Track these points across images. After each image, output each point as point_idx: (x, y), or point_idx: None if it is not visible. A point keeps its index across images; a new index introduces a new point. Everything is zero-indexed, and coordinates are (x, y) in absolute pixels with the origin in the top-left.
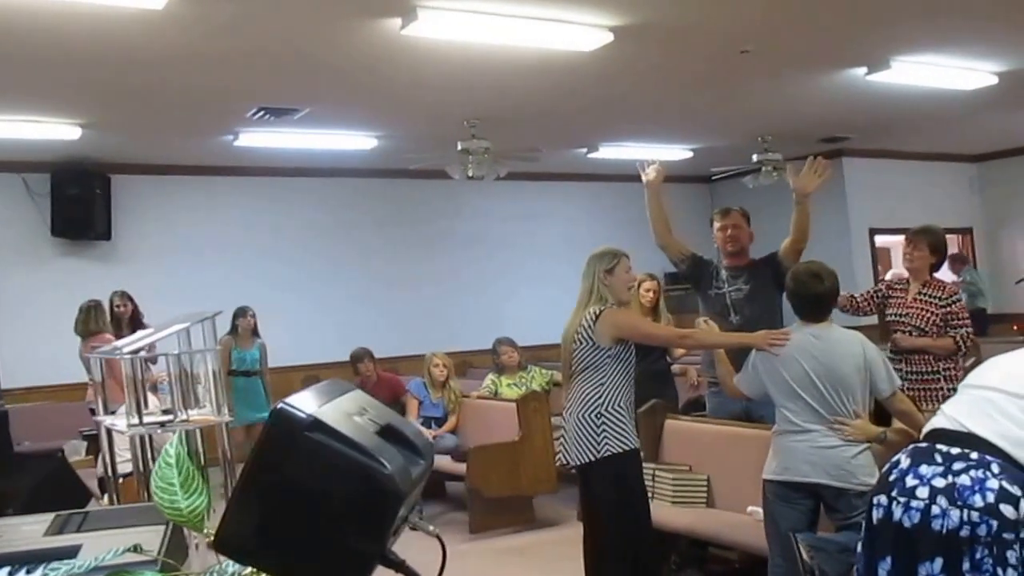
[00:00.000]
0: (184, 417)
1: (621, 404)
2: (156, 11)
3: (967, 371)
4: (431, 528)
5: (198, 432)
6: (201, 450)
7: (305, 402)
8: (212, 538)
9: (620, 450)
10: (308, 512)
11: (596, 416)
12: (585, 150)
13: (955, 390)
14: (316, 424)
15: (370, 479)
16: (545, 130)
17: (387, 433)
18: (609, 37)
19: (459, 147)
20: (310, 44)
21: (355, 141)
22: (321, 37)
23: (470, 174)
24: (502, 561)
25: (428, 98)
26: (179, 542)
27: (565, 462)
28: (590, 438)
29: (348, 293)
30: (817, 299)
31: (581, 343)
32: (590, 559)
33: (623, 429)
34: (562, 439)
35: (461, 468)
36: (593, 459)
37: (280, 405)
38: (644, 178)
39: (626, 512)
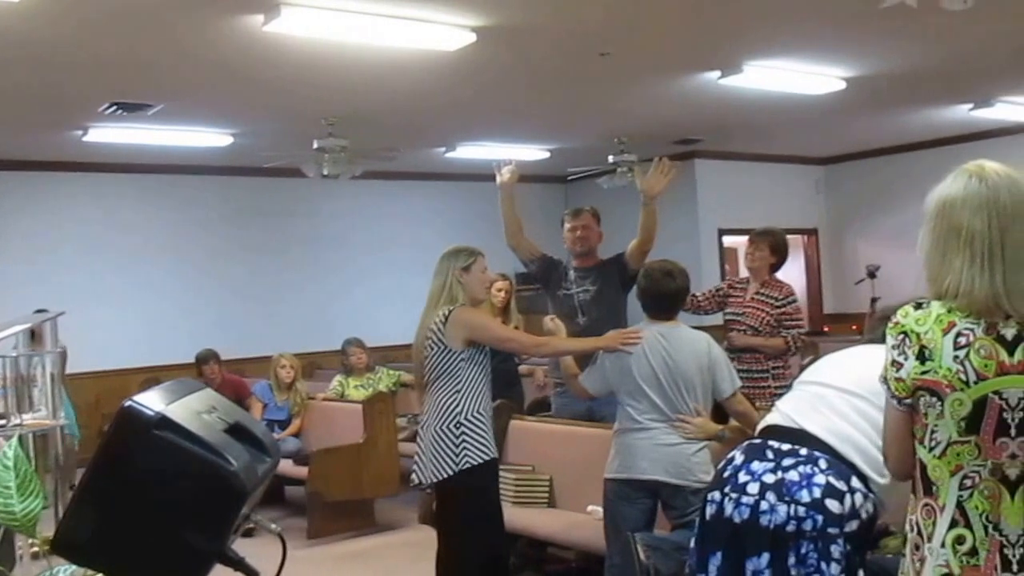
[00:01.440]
0: (18, 421)
1: (480, 410)
2: (11, 3)
3: (804, 369)
4: (273, 526)
5: (31, 436)
6: (32, 454)
7: (152, 400)
8: (42, 544)
9: (480, 461)
10: (150, 510)
11: (456, 426)
12: (443, 149)
13: (783, 388)
14: (164, 421)
15: (215, 476)
16: (404, 129)
17: (235, 431)
18: (472, 37)
19: (315, 145)
20: (167, 39)
21: (210, 138)
22: (179, 32)
23: (325, 172)
24: (341, 566)
25: (287, 95)
26: (8, 552)
27: (418, 481)
28: (449, 451)
29: (195, 293)
30: (668, 297)
31: (433, 347)
32: (444, 570)
33: (483, 438)
34: (416, 456)
35: (302, 472)
36: (451, 473)
37: (127, 403)
38: (498, 179)
39: (484, 525)
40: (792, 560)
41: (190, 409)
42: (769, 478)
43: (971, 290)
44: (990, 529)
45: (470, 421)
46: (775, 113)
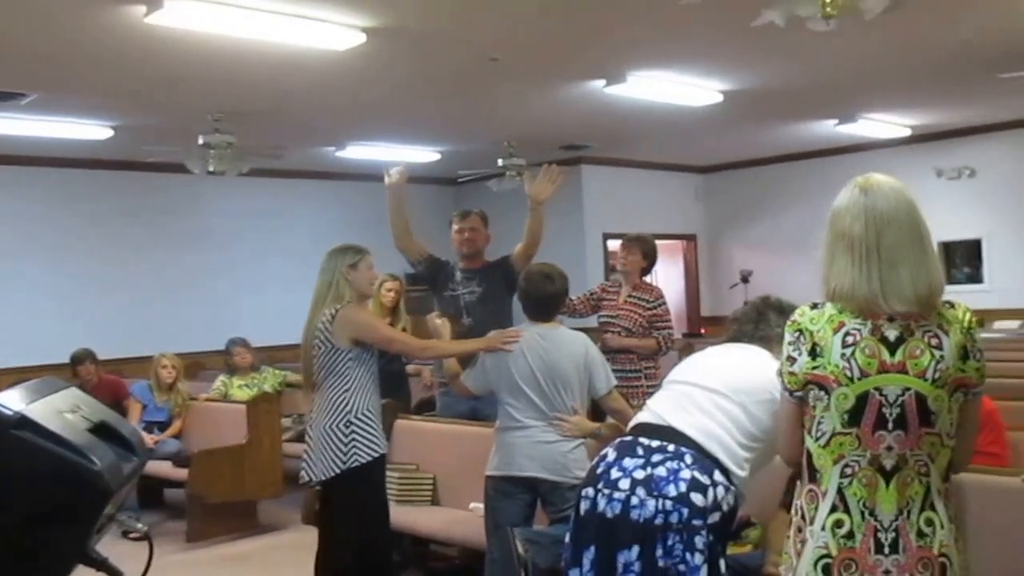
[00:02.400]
0: None
1: (370, 408)
2: None
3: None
4: (139, 526)
5: None
6: None
7: (12, 399)
8: None
9: (369, 458)
10: (9, 511)
11: (346, 425)
12: (333, 148)
13: (655, 387)
14: (23, 421)
15: (78, 476)
16: (293, 127)
17: (100, 430)
18: (362, 38)
19: (200, 141)
20: (42, 26)
21: (88, 130)
22: (55, 19)
23: (211, 169)
24: (221, 569)
25: (170, 89)
26: None
27: (308, 479)
28: (338, 449)
29: (72, 291)
30: (547, 299)
31: (321, 346)
32: (324, 569)
33: (373, 435)
34: (306, 454)
35: (182, 474)
36: (340, 470)
37: None
38: (387, 180)
39: (370, 522)
40: (660, 552)
41: (52, 408)
42: (639, 474)
43: (853, 291)
44: (866, 514)
45: (359, 419)
46: (658, 122)
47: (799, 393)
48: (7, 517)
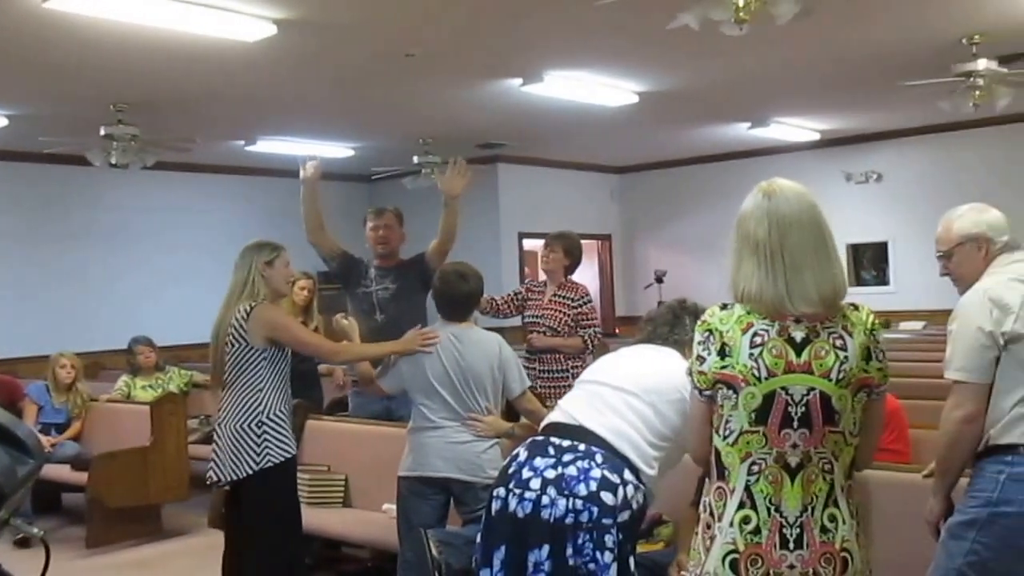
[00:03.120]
0: None
1: (282, 408)
2: None
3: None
4: (35, 531)
5: None
6: None
7: None
8: None
9: (282, 459)
10: None
11: (258, 425)
12: (243, 142)
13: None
14: None
15: None
16: (201, 119)
17: None
18: (273, 30)
19: (103, 132)
20: None
21: None
22: None
23: (113, 161)
24: (131, 570)
25: (71, 78)
26: None
27: (217, 479)
28: (250, 449)
29: None
30: (461, 299)
31: (234, 343)
32: (232, 572)
33: (285, 436)
34: (214, 454)
35: (82, 478)
36: (253, 471)
37: None
38: (302, 174)
39: (281, 524)
40: (570, 551)
41: None
42: (550, 473)
43: (760, 293)
44: (772, 511)
45: (272, 420)
46: (574, 122)
47: (708, 392)
48: None
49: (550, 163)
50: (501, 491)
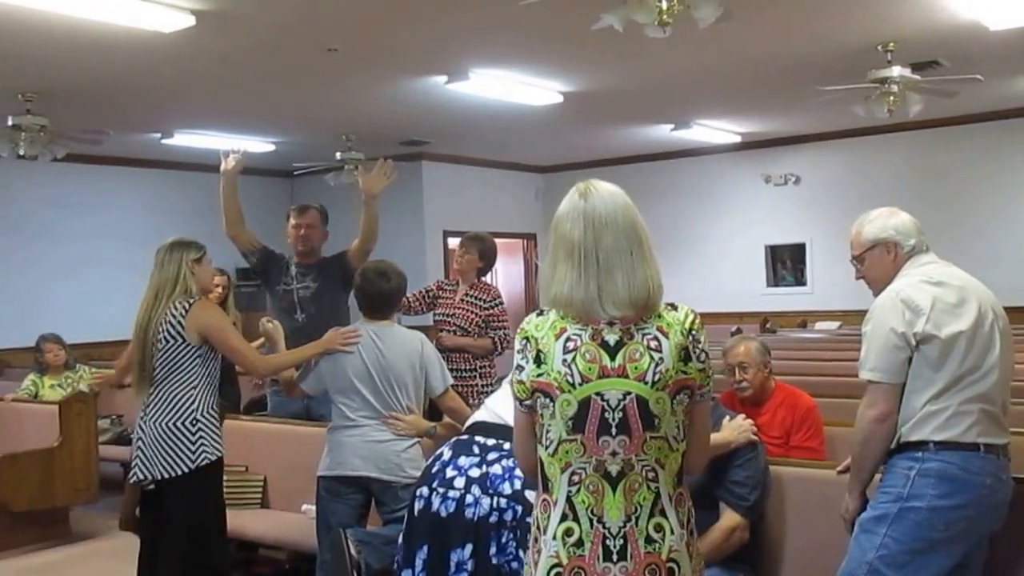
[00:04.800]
0: None
1: (214, 406)
2: None
3: None
4: None
5: None
6: None
7: None
8: None
9: (215, 458)
10: None
11: (192, 423)
12: (159, 135)
13: (489, 386)
14: None
15: None
16: (115, 111)
17: None
18: (190, 20)
19: (10, 122)
20: None
21: None
22: None
23: (21, 153)
24: None
25: None
26: None
27: (143, 478)
28: (184, 447)
29: None
30: (382, 297)
31: (169, 340)
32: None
33: (217, 435)
34: (139, 452)
35: None
36: (188, 470)
37: None
38: (223, 165)
39: (210, 523)
40: (493, 549)
41: None
42: (475, 472)
43: (571, 296)
44: (594, 522)
45: (205, 417)
46: (499, 121)
47: (528, 402)
48: None
49: (475, 162)
50: (424, 490)
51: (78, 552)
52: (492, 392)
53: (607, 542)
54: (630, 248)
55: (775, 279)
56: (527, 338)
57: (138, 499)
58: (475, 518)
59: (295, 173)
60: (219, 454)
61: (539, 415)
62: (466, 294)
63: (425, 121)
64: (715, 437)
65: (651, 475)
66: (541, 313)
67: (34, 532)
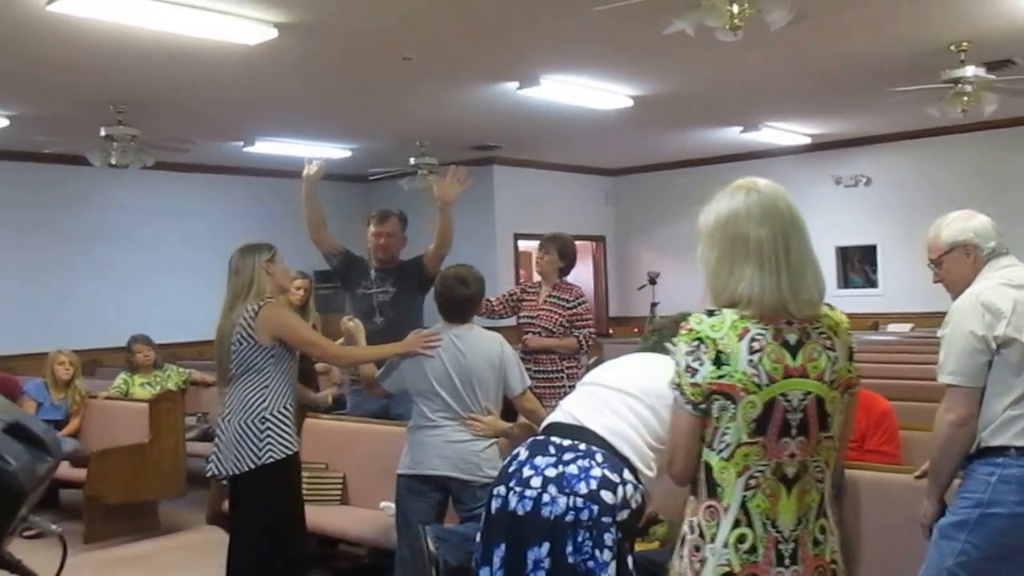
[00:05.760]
0: None
1: (286, 406)
2: None
3: (590, 369)
4: (53, 527)
5: None
6: None
7: None
8: None
9: (283, 455)
10: None
11: (260, 421)
12: (241, 143)
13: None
14: None
15: None
16: (201, 120)
17: (13, 430)
18: (273, 33)
19: (103, 133)
20: None
21: None
22: None
23: (113, 162)
24: (118, 570)
25: (72, 78)
26: None
27: (217, 473)
28: (252, 445)
29: None
30: (461, 302)
31: (242, 342)
32: (238, 568)
33: (287, 434)
34: (216, 448)
35: (80, 474)
36: (253, 467)
37: None
38: (305, 171)
39: (280, 521)
40: (569, 548)
41: None
42: (551, 472)
43: (762, 296)
44: (768, 526)
45: (275, 417)
46: (569, 125)
47: (703, 406)
48: None
49: (545, 165)
50: (501, 489)
51: (168, 544)
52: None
53: (779, 547)
54: (809, 248)
55: (845, 281)
56: (700, 339)
57: (225, 495)
58: (551, 517)
59: (371, 178)
60: (287, 453)
61: (713, 419)
62: (549, 295)
63: (496, 126)
64: None
65: (820, 476)
66: (712, 313)
67: (126, 524)
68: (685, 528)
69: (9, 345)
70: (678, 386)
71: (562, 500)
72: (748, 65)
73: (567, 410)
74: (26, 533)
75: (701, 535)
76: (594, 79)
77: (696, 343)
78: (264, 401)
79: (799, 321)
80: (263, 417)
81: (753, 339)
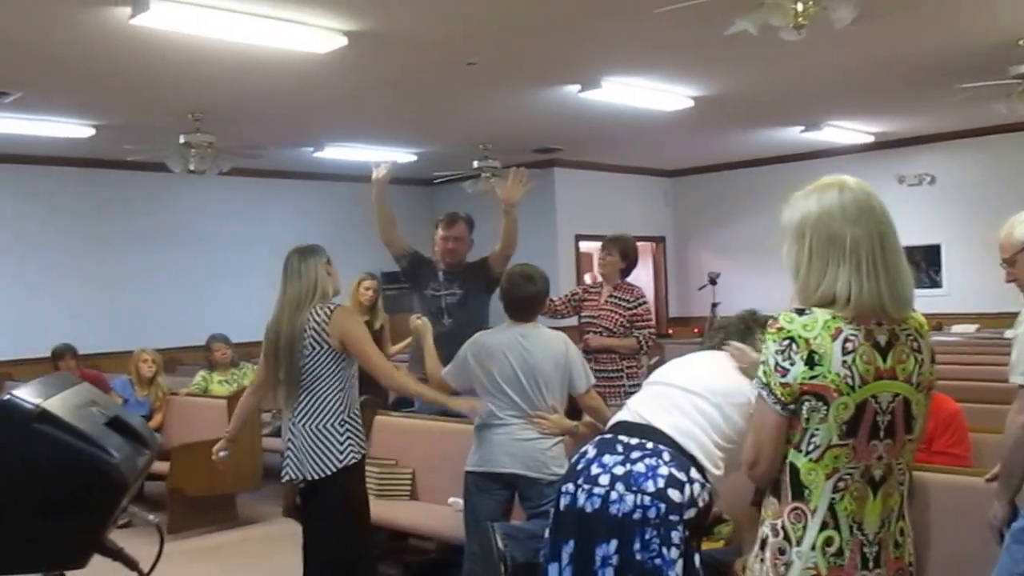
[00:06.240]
0: None
1: (357, 407)
2: None
3: (651, 369)
4: (151, 517)
5: None
6: None
7: (32, 394)
8: None
9: (360, 456)
10: (30, 502)
11: (340, 423)
12: (311, 149)
13: (636, 386)
14: (44, 415)
15: (97, 469)
16: (273, 126)
17: (115, 424)
18: (343, 41)
19: (181, 140)
20: (30, 26)
21: (71, 129)
22: (43, 20)
23: (191, 168)
24: (199, 560)
25: (153, 89)
26: None
27: (294, 477)
28: (333, 447)
29: (52, 287)
30: (528, 300)
31: (316, 346)
32: (314, 561)
33: (362, 434)
34: (289, 453)
35: (162, 467)
36: (335, 469)
37: (6, 396)
38: (374, 174)
39: (355, 517)
40: (637, 546)
41: (70, 403)
42: (619, 470)
43: (860, 296)
44: (854, 529)
45: (351, 418)
46: (630, 127)
47: (792, 406)
48: (29, 508)
49: (605, 167)
50: (570, 487)
51: (245, 535)
52: (635, 393)
53: (864, 549)
54: (901, 247)
55: None
56: (792, 338)
57: (297, 490)
58: (619, 514)
59: (435, 182)
60: (363, 452)
61: (802, 420)
62: (610, 295)
63: (558, 129)
64: None
65: (902, 478)
66: (803, 312)
67: (206, 516)
68: (766, 531)
69: (96, 344)
70: (766, 385)
71: (630, 498)
72: (811, 63)
73: (634, 409)
74: (118, 523)
75: (786, 538)
76: (655, 80)
77: (787, 342)
78: (341, 404)
79: (889, 322)
80: (342, 420)
81: (847, 340)
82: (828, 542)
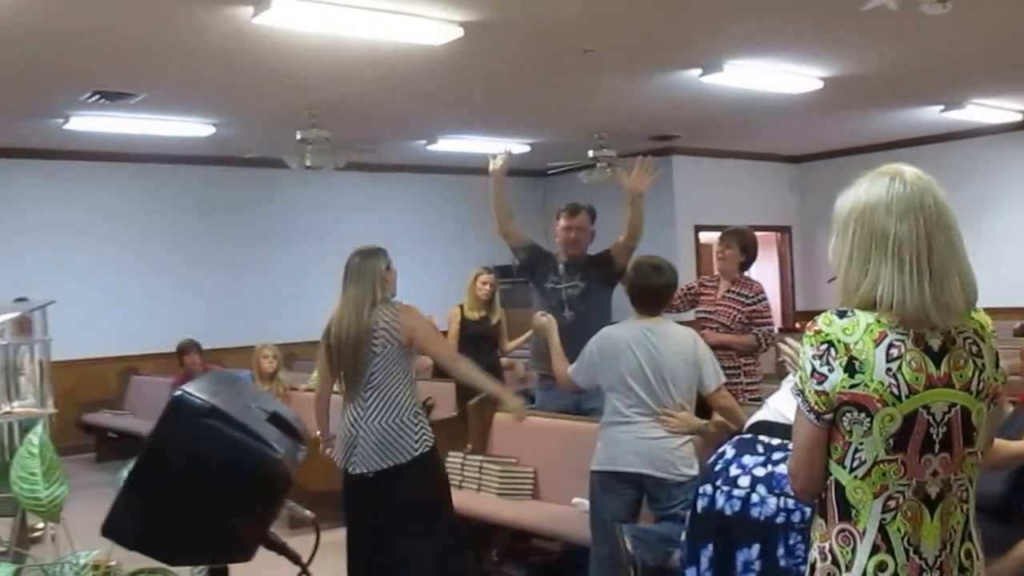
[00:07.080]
0: (7, 409)
1: (420, 400)
2: None
3: (778, 367)
4: (307, 512)
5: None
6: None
7: (201, 390)
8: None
9: (433, 444)
10: (198, 496)
11: (413, 416)
12: (425, 142)
13: (754, 385)
14: (213, 411)
15: (263, 464)
16: (387, 121)
17: (275, 420)
18: (459, 32)
19: (298, 136)
20: (155, 27)
21: (192, 128)
22: (167, 21)
23: (308, 164)
24: (337, 555)
25: (271, 86)
26: (23, 537)
27: (365, 471)
28: (408, 438)
29: (175, 283)
30: (657, 291)
31: (387, 344)
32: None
33: (428, 424)
34: (361, 448)
35: None
36: (411, 457)
37: (179, 392)
38: (491, 166)
39: (439, 503)
40: (781, 551)
41: (235, 399)
42: (760, 471)
43: (904, 300)
44: (911, 553)
45: (420, 412)
46: (753, 111)
47: (828, 416)
48: (200, 501)
49: (726, 154)
50: (708, 488)
51: None
52: (754, 390)
53: (924, 574)
54: (958, 247)
55: None
56: (830, 342)
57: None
58: (762, 518)
59: (548, 172)
60: (434, 441)
61: (844, 432)
62: (728, 290)
63: (677, 115)
64: (1021, 445)
65: (964, 495)
66: (844, 314)
67: (326, 511)
68: (815, 554)
69: (218, 339)
70: (801, 392)
71: (772, 501)
72: (954, 37)
73: (775, 408)
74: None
75: (834, 562)
76: (781, 62)
77: (825, 346)
78: (411, 397)
79: (945, 327)
80: (415, 411)
81: (891, 345)
82: (881, 567)
